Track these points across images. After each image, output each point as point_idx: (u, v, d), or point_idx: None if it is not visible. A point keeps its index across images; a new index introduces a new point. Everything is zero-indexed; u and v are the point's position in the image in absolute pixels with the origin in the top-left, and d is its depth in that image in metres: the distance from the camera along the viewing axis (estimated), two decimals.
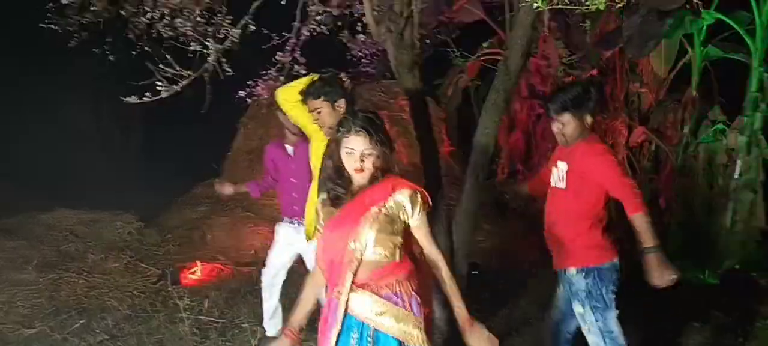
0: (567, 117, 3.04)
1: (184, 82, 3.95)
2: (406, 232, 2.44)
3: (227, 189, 4.65)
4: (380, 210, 2.36)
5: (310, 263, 3.79)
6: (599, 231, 3.06)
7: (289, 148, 4.28)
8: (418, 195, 2.40)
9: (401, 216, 2.39)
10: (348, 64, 6.87)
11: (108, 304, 5.16)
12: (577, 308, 3.08)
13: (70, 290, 5.52)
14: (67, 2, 4.84)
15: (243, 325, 4.68)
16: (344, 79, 3.44)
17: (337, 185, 2.43)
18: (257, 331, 4.51)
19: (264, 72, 5.31)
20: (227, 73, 4.47)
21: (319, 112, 3.32)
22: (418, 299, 2.42)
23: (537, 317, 4.80)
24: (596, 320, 3.02)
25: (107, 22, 5.18)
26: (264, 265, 4.35)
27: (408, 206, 2.38)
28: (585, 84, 3.17)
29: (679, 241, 6.31)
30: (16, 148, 10.90)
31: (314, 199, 3.36)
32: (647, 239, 2.84)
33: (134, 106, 4.11)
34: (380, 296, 2.37)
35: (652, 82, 7.12)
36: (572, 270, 3.06)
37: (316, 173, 3.44)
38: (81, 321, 4.79)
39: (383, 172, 2.40)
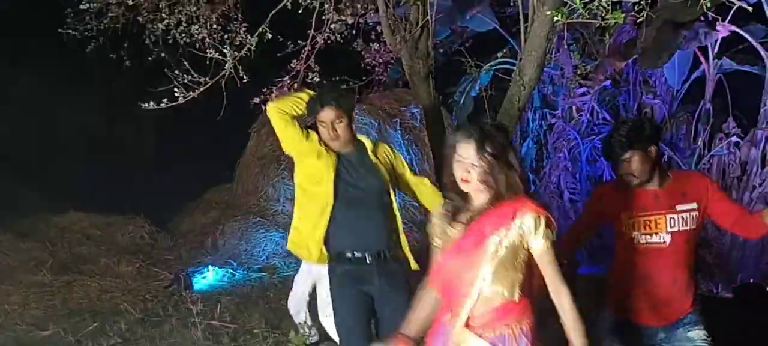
0: (629, 153, 2.79)
1: (201, 89, 3.97)
2: (529, 263, 2.21)
3: None
4: (501, 242, 2.13)
5: (322, 289, 3.66)
6: None
7: None
8: (542, 218, 2.13)
9: (524, 245, 2.15)
10: (362, 72, 6.90)
11: (121, 307, 5.19)
12: (700, 333, 2.93)
13: (84, 292, 5.56)
14: (85, 7, 4.90)
15: (254, 330, 4.69)
16: (352, 89, 3.33)
17: (457, 196, 2.23)
18: (269, 336, 4.53)
19: (278, 79, 5.35)
20: (244, 80, 4.50)
21: (338, 123, 3.03)
22: (529, 339, 2.19)
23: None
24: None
25: (124, 27, 5.24)
26: (276, 270, 4.37)
27: (530, 232, 2.12)
28: (630, 120, 3.03)
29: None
30: (30, 150, 10.99)
31: (298, 226, 3.22)
32: None
33: (148, 110, 4.15)
34: (487, 341, 2.17)
35: (665, 94, 7.10)
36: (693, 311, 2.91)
37: (322, 186, 3.14)
38: (94, 324, 4.82)
39: (506, 191, 2.15)
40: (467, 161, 2.14)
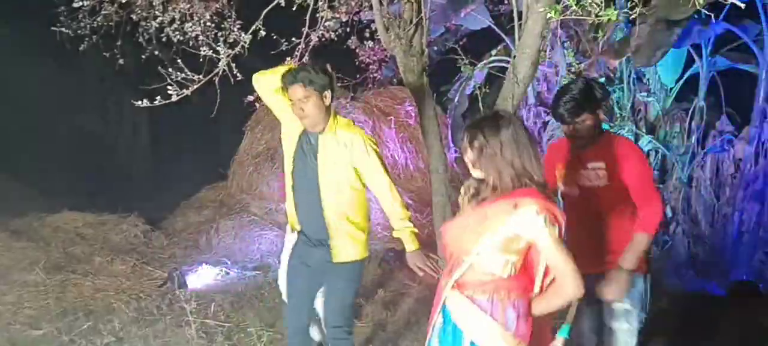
0: (583, 116, 2.92)
1: (195, 86, 3.96)
2: (530, 250, 2.28)
3: None
4: (498, 228, 2.20)
5: None
6: None
7: None
8: (542, 214, 2.16)
9: (523, 236, 2.21)
10: (356, 70, 6.90)
11: (114, 306, 5.17)
12: (624, 305, 2.98)
13: (77, 292, 5.53)
14: (78, 5, 4.88)
15: (249, 329, 4.69)
16: (329, 69, 3.16)
17: (475, 180, 2.33)
18: (263, 335, 4.52)
19: None
20: (238, 78, 4.49)
21: (304, 102, 3.01)
22: (519, 316, 2.27)
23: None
24: (637, 322, 2.99)
25: (118, 25, 5.23)
26: (271, 269, 4.36)
27: (530, 227, 2.18)
28: (580, 81, 3.07)
29: (685, 252, 6.30)
30: (23, 149, 10.95)
31: (288, 193, 3.27)
32: (631, 261, 2.86)
33: (141, 108, 4.14)
34: (473, 302, 2.27)
35: (659, 92, 7.12)
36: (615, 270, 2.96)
37: (287, 156, 3.25)
38: (88, 323, 4.80)
39: (500, 182, 2.21)
40: (466, 151, 2.26)
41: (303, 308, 3.36)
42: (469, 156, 2.27)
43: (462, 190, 2.43)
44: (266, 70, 3.26)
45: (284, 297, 4.19)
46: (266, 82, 3.21)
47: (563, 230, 2.23)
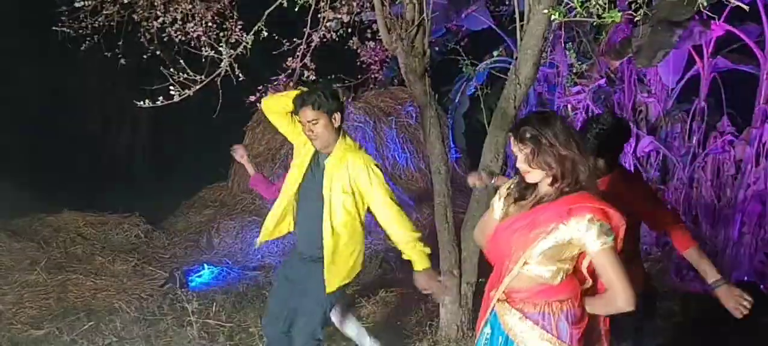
0: (604, 153, 2.92)
1: (197, 87, 3.97)
2: (582, 257, 2.25)
3: (241, 152, 4.39)
4: (550, 235, 2.16)
5: None
6: (642, 269, 3.14)
7: None
8: (598, 221, 2.11)
9: (576, 243, 2.16)
10: (357, 70, 6.90)
11: (116, 306, 5.17)
12: None
13: (78, 292, 5.54)
14: (80, 5, 4.88)
15: (250, 329, 4.69)
16: (340, 91, 3.36)
17: (522, 181, 2.27)
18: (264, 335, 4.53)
19: (274, 77, 5.34)
20: (240, 79, 4.49)
21: (314, 125, 3.10)
22: (571, 324, 2.23)
23: None
24: None
25: (119, 25, 5.23)
26: (272, 269, 4.35)
27: (584, 235, 2.12)
28: (610, 119, 3.03)
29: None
30: (23, 149, 10.95)
31: (276, 213, 3.36)
32: (710, 273, 2.95)
33: (142, 108, 4.13)
34: (526, 316, 2.24)
35: (660, 93, 7.11)
36: None
37: (297, 172, 3.31)
38: (89, 323, 4.81)
39: (570, 184, 2.16)
40: (519, 157, 2.19)
41: (280, 320, 3.36)
42: (523, 153, 2.17)
43: (501, 191, 2.37)
44: (276, 95, 3.43)
45: None
46: (277, 105, 3.31)
47: (620, 237, 2.18)
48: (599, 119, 2.98)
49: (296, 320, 3.31)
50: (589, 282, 2.32)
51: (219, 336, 4.61)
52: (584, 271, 2.29)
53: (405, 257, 3.23)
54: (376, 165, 3.24)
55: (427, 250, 3.20)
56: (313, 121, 3.09)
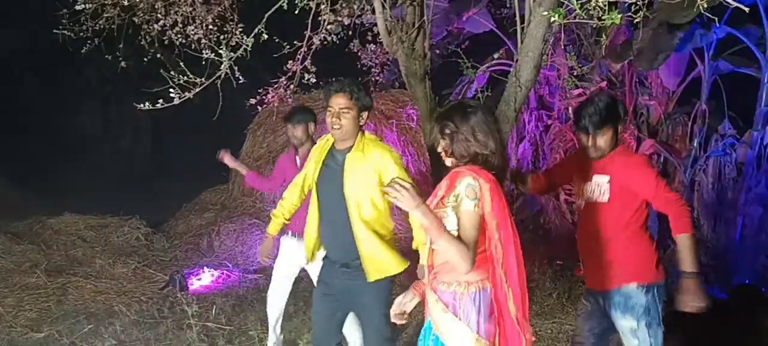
0: (604, 130, 2.94)
1: (197, 90, 3.96)
2: (486, 234, 2.28)
3: (228, 158, 4.56)
4: (439, 202, 2.28)
5: (315, 278, 3.58)
6: (654, 246, 3.00)
7: (298, 160, 4.25)
8: (471, 183, 2.22)
9: (461, 208, 2.23)
10: (358, 73, 6.88)
11: (116, 309, 5.17)
12: (629, 324, 2.95)
13: (78, 294, 5.54)
14: (80, 8, 4.87)
15: (250, 332, 4.68)
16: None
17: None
18: (264, 338, 4.51)
19: (274, 80, 5.33)
20: (239, 81, 4.48)
21: (344, 113, 3.06)
22: (479, 312, 2.27)
23: (545, 329, 4.80)
24: (649, 337, 2.93)
25: (120, 28, 5.22)
26: (271, 273, 4.35)
27: (463, 196, 2.22)
28: (604, 96, 3.10)
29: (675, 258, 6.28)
30: (24, 152, 10.96)
31: (314, 216, 3.23)
32: (689, 262, 2.82)
33: (143, 112, 4.13)
34: (439, 297, 2.31)
35: (661, 95, 7.11)
36: (632, 286, 2.93)
37: (312, 187, 3.23)
38: (89, 326, 4.80)
39: (465, 160, 2.31)
40: (438, 141, 2.37)
41: (330, 337, 3.27)
42: (441, 145, 2.35)
43: None
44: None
45: (272, 310, 4.19)
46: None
47: (488, 205, 2.23)
48: (592, 100, 3.01)
49: (365, 335, 3.24)
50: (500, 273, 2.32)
51: (219, 339, 4.61)
52: (493, 250, 2.30)
53: (414, 246, 3.17)
54: (400, 157, 3.17)
55: None
56: (345, 110, 3.03)
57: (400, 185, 2.16)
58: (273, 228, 3.56)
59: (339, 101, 3.03)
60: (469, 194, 2.21)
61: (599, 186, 3.00)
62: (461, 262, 2.18)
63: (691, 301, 2.81)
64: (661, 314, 2.97)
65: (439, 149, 2.37)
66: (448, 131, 2.32)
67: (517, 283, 2.31)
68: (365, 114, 3.11)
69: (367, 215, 3.07)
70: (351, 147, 3.10)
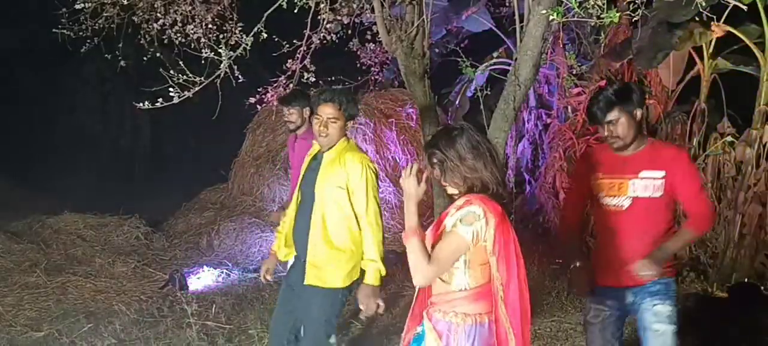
0: (615, 113, 2.85)
1: (196, 89, 3.96)
2: (478, 257, 2.25)
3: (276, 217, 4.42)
4: (439, 231, 2.25)
5: None
6: None
7: (296, 146, 4.23)
8: (486, 214, 2.18)
9: (454, 228, 2.21)
10: (357, 72, 6.89)
11: (115, 308, 5.17)
12: (667, 309, 2.90)
13: (78, 293, 5.54)
14: (80, 7, 4.88)
15: (250, 331, 4.68)
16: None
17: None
18: (264, 337, 4.52)
19: (274, 79, 5.34)
20: (239, 80, 4.49)
21: (331, 122, 3.10)
22: (473, 343, 2.24)
23: (548, 330, 4.80)
24: (677, 326, 2.93)
25: (119, 27, 5.22)
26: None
27: (459, 220, 2.20)
28: (619, 83, 3.06)
29: (686, 254, 6.29)
30: (23, 151, 10.96)
31: (292, 216, 3.27)
32: (674, 246, 2.90)
33: (143, 111, 4.14)
34: (434, 326, 2.27)
35: (660, 94, 7.11)
36: (670, 277, 2.94)
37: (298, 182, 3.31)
38: (89, 325, 4.80)
39: (462, 188, 2.27)
40: (433, 173, 2.32)
41: (283, 329, 3.28)
42: (436, 175, 2.30)
43: None
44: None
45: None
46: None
47: (491, 240, 2.19)
48: (603, 88, 2.97)
49: (303, 334, 3.24)
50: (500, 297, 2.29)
51: (218, 338, 4.61)
52: (494, 286, 2.27)
53: (362, 265, 3.17)
54: (373, 170, 3.17)
55: (383, 272, 3.13)
56: (332, 119, 3.07)
57: (418, 169, 2.20)
58: (275, 243, 3.46)
59: (327, 111, 3.07)
60: (466, 220, 2.18)
61: (653, 182, 2.90)
62: (415, 272, 2.16)
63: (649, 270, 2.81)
64: None
65: (436, 180, 2.35)
66: (435, 160, 2.28)
67: (519, 322, 2.27)
68: (351, 123, 3.16)
69: (329, 217, 3.11)
70: (331, 151, 3.17)
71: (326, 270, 3.11)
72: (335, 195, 3.09)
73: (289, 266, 3.43)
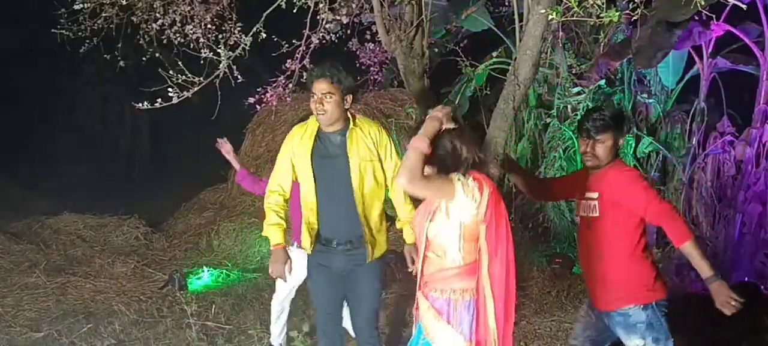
0: (605, 136, 2.92)
1: (195, 89, 3.96)
2: (473, 232, 2.31)
3: (227, 147, 4.34)
4: (435, 208, 2.33)
5: None
6: (650, 264, 2.98)
7: None
8: (475, 186, 2.28)
9: (454, 212, 2.29)
10: (357, 72, 6.89)
11: (115, 308, 5.17)
12: (635, 343, 2.93)
13: (78, 294, 5.54)
14: (79, 7, 4.88)
15: (249, 331, 4.69)
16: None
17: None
18: (264, 337, 4.52)
19: (273, 79, 5.34)
20: (238, 80, 4.48)
21: (327, 98, 3.06)
22: (472, 317, 2.30)
23: (545, 328, 4.80)
24: None
25: (118, 27, 5.22)
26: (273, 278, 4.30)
27: (458, 179, 2.30)
28: (613, 107, 3.11)
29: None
30: (23, 152, 10.95)
31: (311, 203, 3.20)
32: (704, 268, 2.79)
33: (142, 111, 4.14)
34: (431, 304, 2.32)
35: (659, 93, 7.11)
36: (631, 307, 2.91)
37: (305, 172, 3.22)
38: (88, 325, 4.80)
39: (464, 166, 2.36)
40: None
41: (339, 313, 3.34)
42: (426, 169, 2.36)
43: None
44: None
45: (274, 316, 4.18)
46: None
47: (483, 208, 2.27)
48: (599, 107, 3.01)
49: (359, 307, 3.27)
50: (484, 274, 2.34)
51: (218, 338, 4.61)
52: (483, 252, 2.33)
53: (398, 225, 3.31)
54: (388, 131, 3.27)
55: None
56: (328, 95, 3.02)
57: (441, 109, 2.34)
58: (278, 236, 3.27)
59: (321, 87, 3.04)
60: (465, 182, 2.28)
61: (590, 202, 2.99)
62: (404, 171, 2.20)
63: (726, 302, 2.77)
64: (666, 326, 2.95)
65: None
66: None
67: (502, 294, 2.30)
68: (349, 97, 3.11)
69: (369, 192, 3.14)
70: (343, 129, 3.14)
71: (379, 241, 3.21)
72: (371, 167, 3.13)
73: (295, 255, 3.42)
